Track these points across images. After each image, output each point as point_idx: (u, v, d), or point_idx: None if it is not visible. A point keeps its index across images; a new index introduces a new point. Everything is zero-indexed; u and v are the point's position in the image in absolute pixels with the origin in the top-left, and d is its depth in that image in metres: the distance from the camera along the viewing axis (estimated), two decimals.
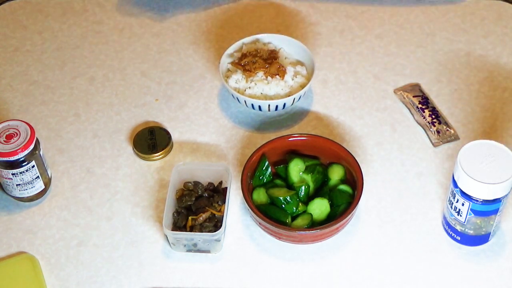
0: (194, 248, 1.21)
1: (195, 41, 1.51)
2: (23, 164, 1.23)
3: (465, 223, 1.18)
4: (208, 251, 1.22)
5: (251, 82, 1.38)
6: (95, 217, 1.27)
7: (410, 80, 1.44)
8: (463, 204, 1.16)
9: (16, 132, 1.23)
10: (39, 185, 1.27)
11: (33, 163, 1.23)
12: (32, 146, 1.22)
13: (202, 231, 1.20)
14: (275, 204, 1.22)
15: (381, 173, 1.31)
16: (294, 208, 1.22)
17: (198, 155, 1.34)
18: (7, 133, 1.23)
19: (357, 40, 1.51)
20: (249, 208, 1.20)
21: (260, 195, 1.24)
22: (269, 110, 1.37)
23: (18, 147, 1.21)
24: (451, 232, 1.22)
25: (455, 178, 1.16)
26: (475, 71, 1.45)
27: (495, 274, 1.19)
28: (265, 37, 1.44)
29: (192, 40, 1.51)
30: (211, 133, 1.37)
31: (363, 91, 1.42)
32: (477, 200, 1.14)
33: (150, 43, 1.51)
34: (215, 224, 1.22)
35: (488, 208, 1.15)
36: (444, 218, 1.22)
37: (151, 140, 1.33)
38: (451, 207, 1.18)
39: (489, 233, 1.20)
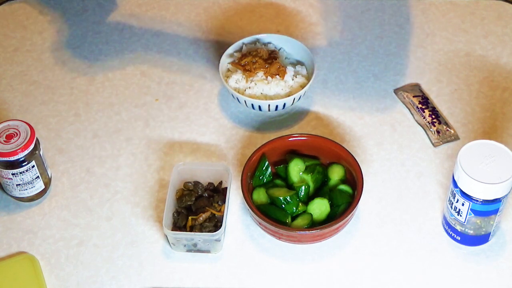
0: (194, 248, 1.21)
1: (195, 41, 1.51)
2: (23, 164, 1.23)
3: (465, 223, 1.18)
4: (208, 251, 1.22)
5: (251, 82, 1.38)
6: (95, 217, 1.27)
7: (410, 80, 1.44)
8: (463, 204, 1.16)
9: (16, 132, 1.23)
10: (39, 185, 1.27)
11: (33, 163, 1.23)
12: (32, 146, 1.22)
13: (202, 231, 1.20)
14: (275, 204, 1.22)
15: (381, 173, 1.31)
16: (294, 208, 1.22)
17: (198, 155, 1.34)
18: (7, 133, 1.23)
19: (357, 40, 1.51)
20: (249, 208, 1.20)
21: (260, 195, 1.24)
22: (269, 110, 1.37)
23: (18, 147, 1.21)
24: (451, 232, 1.22)
25: (455, 178, 1.15)
26: (475, 71, 1.45)
27: (495, 274, 1.19)
28: (265, 37, 1.44)
29: (192, 40, 1.51)
30: (211, 133, 1.37)
31: (363, 91, 1.42)
32: (477, 200, 1.14)
33: (150, 43, 1.51)
34: (215, 224, 1.22)
35: (488, 208, 1.15)
36: (444, 218, 1.22)
37: None
38: (451, 207, 1.18)
39: (489, 233, 1.20)
